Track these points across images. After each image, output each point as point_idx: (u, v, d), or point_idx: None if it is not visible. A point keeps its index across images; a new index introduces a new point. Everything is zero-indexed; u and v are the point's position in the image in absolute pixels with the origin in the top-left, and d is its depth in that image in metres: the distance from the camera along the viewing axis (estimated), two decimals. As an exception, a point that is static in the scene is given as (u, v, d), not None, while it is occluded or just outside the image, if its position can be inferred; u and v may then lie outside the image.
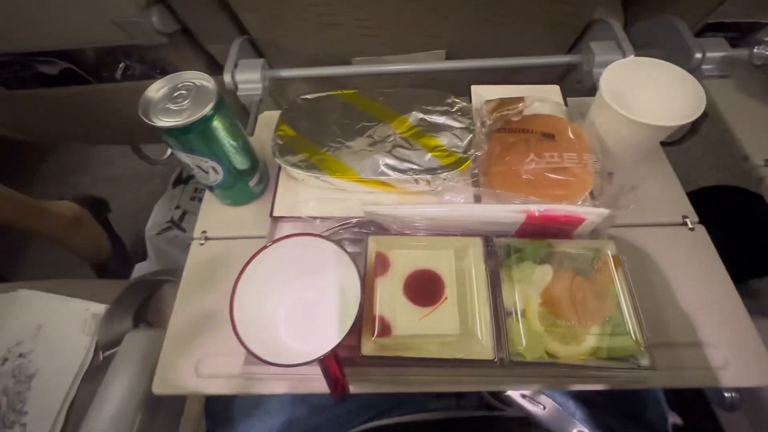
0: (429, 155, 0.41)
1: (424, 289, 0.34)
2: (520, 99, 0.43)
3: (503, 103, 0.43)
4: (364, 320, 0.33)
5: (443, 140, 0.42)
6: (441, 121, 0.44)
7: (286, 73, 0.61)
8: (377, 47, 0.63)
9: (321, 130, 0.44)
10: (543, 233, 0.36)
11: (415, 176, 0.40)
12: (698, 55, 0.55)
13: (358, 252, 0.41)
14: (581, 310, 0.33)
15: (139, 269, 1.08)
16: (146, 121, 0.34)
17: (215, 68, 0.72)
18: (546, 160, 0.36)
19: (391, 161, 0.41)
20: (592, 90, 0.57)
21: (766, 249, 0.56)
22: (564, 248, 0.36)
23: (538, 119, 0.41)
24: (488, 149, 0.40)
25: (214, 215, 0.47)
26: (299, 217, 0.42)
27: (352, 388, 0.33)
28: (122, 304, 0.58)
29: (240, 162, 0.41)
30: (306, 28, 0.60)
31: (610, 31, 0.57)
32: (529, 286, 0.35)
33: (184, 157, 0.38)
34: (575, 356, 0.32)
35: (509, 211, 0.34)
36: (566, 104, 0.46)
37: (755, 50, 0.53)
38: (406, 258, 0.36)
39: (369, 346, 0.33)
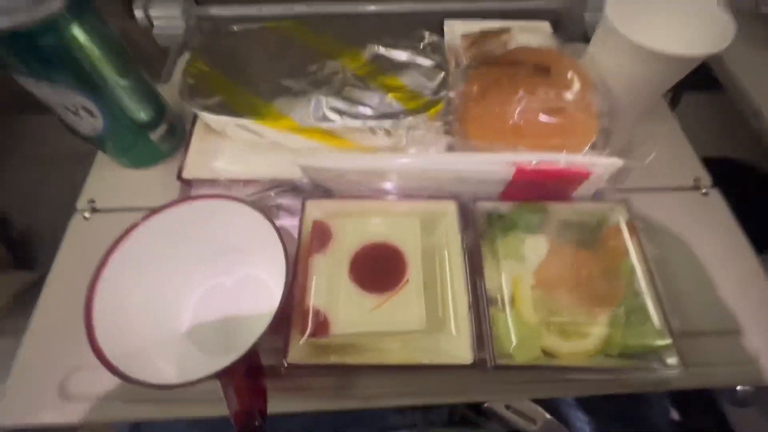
0: (389, 97, 0.31)
1: (379, 269, 0.24)
2: (505, 30, 0.34)
3: (484, 36, 0.34)
4: (293, 315, 0.24)
5: (407, 80, 0.33)
6: (405, 58, 0.34)
7: (218, 11, 0.49)
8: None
9: (246, 67, 0.34)
10: (536, 194, 0.28)
11: (371, 122, 0.30)
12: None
13: (294, 226, 0.31)
14: (587, 294, 0.25)
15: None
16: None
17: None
18: (540, 98, 0.28)
19: (338, 104, 0.31)
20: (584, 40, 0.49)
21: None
22: (562, 214, 0.28)
23: (527, 51, 0.32)
24: (465, 89, 0.31)
25: (107, 180, 0.35)
26: (217, 181, 0.32)
27: (277, 406, 0.24)
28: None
29: (131, 105, 0.30)
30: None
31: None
32: (518, 264, 0.26)
33: (35, 88, 0.26)
34: (580, 355, 0.24)
35: (493, 163, 0.25)
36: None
37: (764, -4, 0.46)
38: (355, 229, 0.26)
39: (298, 351, 0.23)
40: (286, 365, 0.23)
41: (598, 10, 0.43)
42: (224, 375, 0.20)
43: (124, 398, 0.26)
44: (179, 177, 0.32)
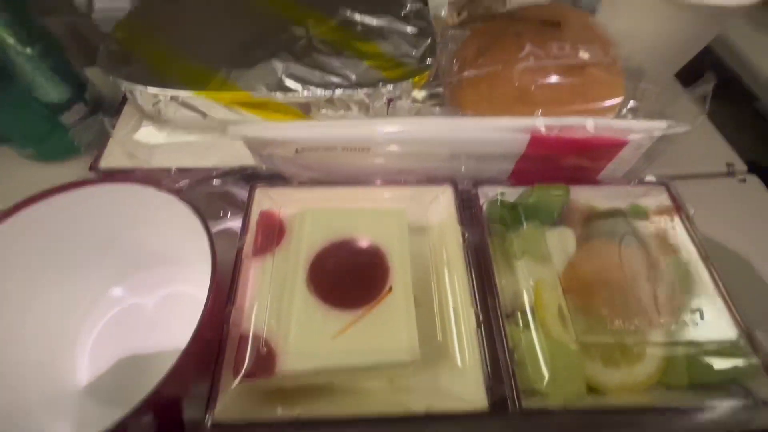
0: (364, 64, 0.25)
1: (349, 275, 0.17)
2: (501, -11, 0.28)
3: (475, -1, 0.29)
4: (223, 347, 0.16)
5: (387, 48, 0.27)
6: (382, 24, 0.28)
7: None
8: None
9: (189, 31, 0.27)
10: (553, 174, 0.22)
11: (342, 92, 0.24)
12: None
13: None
14: (634, 300, 0.18)
15: None
16: None
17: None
18: (553, 54, 0.22)
19: (301, 71, 0.25)
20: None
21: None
22: (588, 199, 0.22)
23: (532, 9, 0.26)
24: (459, 51, 0.25)
25: (8, 177, 0.28)
26: (142, 171, 0.25)
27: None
28: None
29: (33, 78, 0.24)
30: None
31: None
32: (539, 265, 0.20)
33: None
34: (635, 386, 0.17)
35: (503, 130, 0.19)
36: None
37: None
38: (317, 220, 0.19)
39: (230, 401, 0.15)
40: (210, 423, 0.15)
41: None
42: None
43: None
44: (92, 167, 0.25)
